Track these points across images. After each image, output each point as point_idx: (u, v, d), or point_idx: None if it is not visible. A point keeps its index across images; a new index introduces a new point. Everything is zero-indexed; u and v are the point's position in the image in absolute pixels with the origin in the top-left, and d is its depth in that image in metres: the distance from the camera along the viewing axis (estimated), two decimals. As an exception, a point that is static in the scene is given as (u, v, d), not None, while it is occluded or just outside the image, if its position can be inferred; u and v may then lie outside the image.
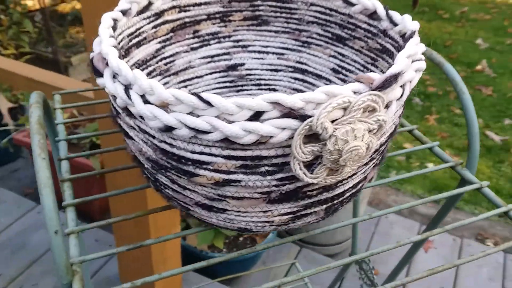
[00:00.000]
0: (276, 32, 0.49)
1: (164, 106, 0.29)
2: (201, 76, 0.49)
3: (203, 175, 0.31)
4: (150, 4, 0.42)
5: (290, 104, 0.27)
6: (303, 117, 0.28)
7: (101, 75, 0.32)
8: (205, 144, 0.30)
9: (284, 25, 0.49)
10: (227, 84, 0.51)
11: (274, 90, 0.51)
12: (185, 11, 0.45)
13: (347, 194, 0.35)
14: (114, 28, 0.36)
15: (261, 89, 0.51)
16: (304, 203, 0.33)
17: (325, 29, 0.47)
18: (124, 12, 0.39)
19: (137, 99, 0.29)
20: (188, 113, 0.28)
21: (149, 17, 0.42)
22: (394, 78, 0.29)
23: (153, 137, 0.31)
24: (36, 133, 0.33)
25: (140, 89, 0.29)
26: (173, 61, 0.47)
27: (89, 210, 1.46)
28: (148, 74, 0.44)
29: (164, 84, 0.46)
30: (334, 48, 0.47)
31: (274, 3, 0.47)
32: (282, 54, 0.50)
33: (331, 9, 0.45)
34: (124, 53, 0.40)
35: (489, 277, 1.46)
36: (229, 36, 0.49)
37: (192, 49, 0.48)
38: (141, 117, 0.30)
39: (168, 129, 0.29)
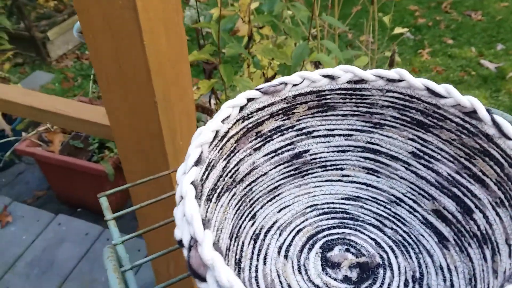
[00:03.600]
0: (343, 115, 0.44)
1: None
2: (265, 173, 0.44)
3: None
4: (216, 133, 0.36)
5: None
6: None
7: (203, 280, 0.28)
8: None
9: (353, 108, 0.43)
10: (292, 173, 0.46)
11: (341, 169, 0.47)
12: (249, 118, 0.39)
13: None
14: (196, 193, 0.31)
15: (327, 170, 0.47)
16: None
17: (402, 113, 0.42)
18: (197, 163, 0.33)
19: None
20: None
21: (216, 145, 0.36)
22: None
23: None
24: None
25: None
26: (238, 169, 0.41)
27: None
28: (217, 197, 0.39)
29: (232, 196, 0.41)
30: (413, 132, 0.42)
31: (343, 92, 0.41)
32: (350, 135, 0.45)
33: (412, 96, 0.40)
34: (200, 196, 0.34)
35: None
36: (292, 127, 0.44)
37: (255, 150, 0.42)
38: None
39: None
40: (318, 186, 0.47)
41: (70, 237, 1.28)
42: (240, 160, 0.41)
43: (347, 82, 0.40)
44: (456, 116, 0.38)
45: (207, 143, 0.34)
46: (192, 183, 0.31)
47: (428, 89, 0.38)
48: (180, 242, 0.30)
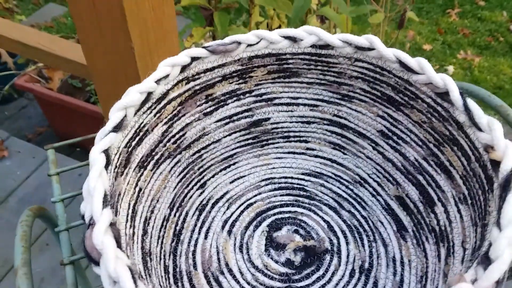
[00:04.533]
0: (308, 83, 0.39)
1: None
2: (218, 140, 0.40)
3: None
4: (149, 95, 0.32)
5: None
6: None
7: (96, 264, 0.25)
8: None
9: (319, 77, 0.38)
10: (250, 141, 0.42)
11: (306, 142, 0.43)
12: (195, 80, 0.35)
13: None
14: (108, 162, 0.28)
15: (290, 141, 0.43)
16: None
17: (372, 87, 0.37)
18: (118, 128, 0.29)
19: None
20: None
21: (150, 108, 0.32)
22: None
23: None
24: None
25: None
26: (183, 135, 0.38)
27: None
28: (155, 164, 0.36)
29: (176, 163, 0.38)
30: (383, 108, 0.37)
31: (307, 57, 0.36)
32: (316, 106, 0.40)
33: (382, 68, 0.35)
34: (125, 163, 0.31)
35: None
36: (250, 92, 0.39)
37: (206, 114, 0.38)
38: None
39: None
40: (279, 158, 0.43)
41: (63, 177, 1.28)
42: (187, 125, 0.38)
43: (311, 47, 0.35)
44: (428, 96, 0.33)
45: (133, 106, 0.30)
46: (106, 151, 0.28)
47: (400, 62, 0.33)
48: (83, 217, 0.27)
